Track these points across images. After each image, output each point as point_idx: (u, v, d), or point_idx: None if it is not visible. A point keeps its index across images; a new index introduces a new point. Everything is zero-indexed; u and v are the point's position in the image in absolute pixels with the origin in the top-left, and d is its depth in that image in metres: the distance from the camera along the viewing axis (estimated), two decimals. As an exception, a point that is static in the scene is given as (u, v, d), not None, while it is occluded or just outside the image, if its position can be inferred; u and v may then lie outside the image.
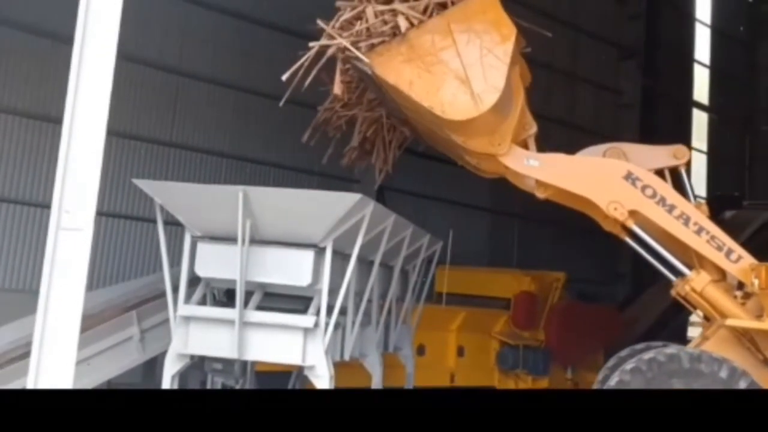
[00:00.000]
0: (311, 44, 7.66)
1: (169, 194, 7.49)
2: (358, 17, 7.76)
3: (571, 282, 14.59)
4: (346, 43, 7.58)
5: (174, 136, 14.89)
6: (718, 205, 23.43)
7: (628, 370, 7.43)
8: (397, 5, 7.66)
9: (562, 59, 22.04)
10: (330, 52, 7.79)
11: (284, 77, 7.46)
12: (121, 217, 13.99)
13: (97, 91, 5.26)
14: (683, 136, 25.68)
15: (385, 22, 7.62)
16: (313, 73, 7.90)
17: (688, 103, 26.79)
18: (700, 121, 27.49)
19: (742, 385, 7.33)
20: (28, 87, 13.02)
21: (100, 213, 5.30)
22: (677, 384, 7.32)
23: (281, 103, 8.14)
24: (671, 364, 7.41)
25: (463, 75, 7.53)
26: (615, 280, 21.36)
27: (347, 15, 7.76)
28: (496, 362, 13.04)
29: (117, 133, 12.27)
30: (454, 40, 7.58)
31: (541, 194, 8.60)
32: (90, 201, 5.16)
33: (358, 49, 7.57)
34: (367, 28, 7.64)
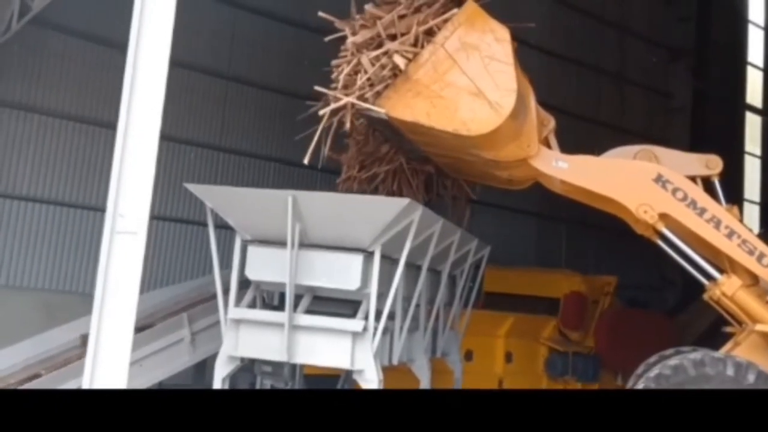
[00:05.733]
0: (321, 112, 7.66)
1: (220, 198, 7.58)
2: (356, 70, 7.72)
3: (620, 287, 14.38)
4: (353, 100, 7.54)
5: (223, 140, 15.08)
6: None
7: None
8: (388, 45, 7.62)
9: (610, 62, 21.76)
10: (340, 114, 7.71)
11: (306, 161, 7.46)
12: (173, 220, 14.20)
13: (151, 96, 5.35)
14: (736, 140, 25.20)
15: (383, 66, 7.59)
16: (329, 141, 7.85)
17: (740, 106, 26.24)
18: (753, 125, 26.95)
19: (751, 378, 7.26)
20: (81, 93, 13.29)
21: (152, 216, 5.38)
22: None
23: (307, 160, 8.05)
24: (678, 375, 7.37)
25: (475, 89, 7.47)
26: (664, 286, 21.02)
27: (345, 71, 7.72)
28: (545, 368, 12.89)
29: (168, 137, 12.44)
30: (454, 60, 7.54)
31: (564, 191, 8.54)
32: (144, 205, 5.25)
33: (365, 101, 7.52)
34: (368, 78, 7.59)
